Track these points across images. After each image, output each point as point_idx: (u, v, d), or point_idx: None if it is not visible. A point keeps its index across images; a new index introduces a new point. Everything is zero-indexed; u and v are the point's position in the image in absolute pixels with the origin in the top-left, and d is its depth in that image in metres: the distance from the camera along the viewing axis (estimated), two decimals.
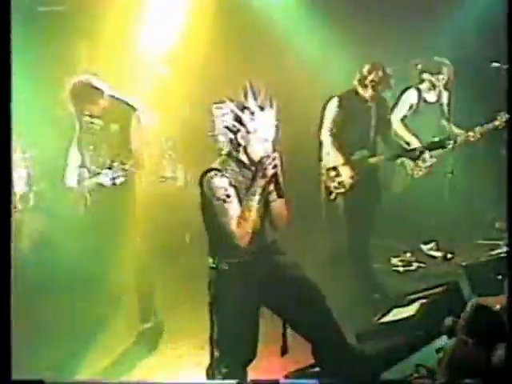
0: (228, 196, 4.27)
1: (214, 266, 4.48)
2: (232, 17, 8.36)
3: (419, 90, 7.39)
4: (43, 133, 7.91)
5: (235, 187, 4.32)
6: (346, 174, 6.75)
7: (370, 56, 7.94)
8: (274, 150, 4.33)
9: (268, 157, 4.27)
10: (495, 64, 6.97)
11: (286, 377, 5.09)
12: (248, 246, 4.28)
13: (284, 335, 4.63)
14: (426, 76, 7.34)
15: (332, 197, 6.87)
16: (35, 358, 5.64)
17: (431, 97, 7.42)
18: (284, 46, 7.35)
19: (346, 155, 6.75)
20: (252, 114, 4.34)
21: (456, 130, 7.24)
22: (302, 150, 7.28)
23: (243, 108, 4.37)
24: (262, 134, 4.34)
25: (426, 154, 7.16)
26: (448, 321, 4.30)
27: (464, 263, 6.53)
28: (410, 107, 7.43)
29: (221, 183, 4.29)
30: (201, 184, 4.41)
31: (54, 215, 6.80)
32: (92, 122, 6.11)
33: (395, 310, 5.62)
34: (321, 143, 6.91)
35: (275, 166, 4.26)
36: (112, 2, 8.15)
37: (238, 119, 4.37)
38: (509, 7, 4.25)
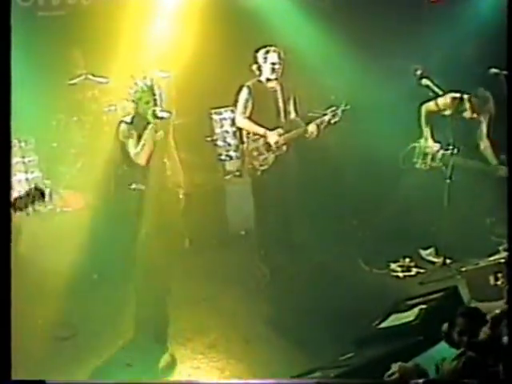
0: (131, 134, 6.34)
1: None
2: (232, 23, 8.38)
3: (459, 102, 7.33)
4: (43, 136, 7.95)
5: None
6: (266, 151, 7.29)
7: (369, 60, 8.01)
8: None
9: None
10: (494, 70, 6.97)
11: None
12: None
13: None
14: (424, 81, 7.34)
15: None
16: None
17: (467, 113, 7.40)
18: (284, 52, 7.38)
19: (263, 133, 7.30)
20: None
21: (488, 155, 7.30)
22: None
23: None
24: None
25: (439, 156, 7.34)
26: (445, 326, 4.30)
27: (463, 269, 6.55)
28: (441, 109, 7.35)
29: (125, 127, 6.39)
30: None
31: None
32: None
33: (394, 316, 5.62)
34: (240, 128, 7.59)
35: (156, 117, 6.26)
36: (111, 8, 8.17)
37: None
38: (509, 13, 4.26)
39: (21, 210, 4.74)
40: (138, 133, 6.42)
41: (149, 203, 6.47)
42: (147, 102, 6.43)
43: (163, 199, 6.54)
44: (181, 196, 6.66)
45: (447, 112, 7.33)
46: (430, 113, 7.45)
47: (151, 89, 6.47)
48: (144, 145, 6.36)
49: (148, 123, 6.39)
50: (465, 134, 7.29)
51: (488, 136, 7.37)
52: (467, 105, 7.23)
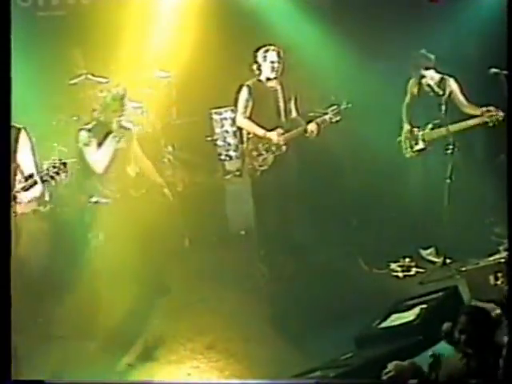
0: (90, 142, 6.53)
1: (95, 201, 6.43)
2: (232, 23, 8.38)
3: (420, 81, 7.47)
4: (44, 136, 7.94)
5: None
6: (266, 151, 7.29)
7: (369, 59, 8.01)
8: None
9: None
10: (494, 70, 6.97)
11: None
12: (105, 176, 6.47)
13: None
14: (425, 81, 7.37)
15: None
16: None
17: (434, 87, 7.44)
18: (283, 51, 7.38)
19: (263, 134, 7.29)
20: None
21: (472, 111, 7.33)
22: None
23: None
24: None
25: (420, 137, 7.43)
26: (446, 326, 4.30)
27: (463, 268, 6.55)
28: (413, 96, 7.55)
29: (85, 135, 6.57)
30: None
31: None
32: None
33: (394, 316, 5.62)
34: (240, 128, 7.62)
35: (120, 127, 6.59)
36: (111, 8, 8.18)
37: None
38: (509, 13, 4.26)
39: (48, 181, 5.10)
40: (97, 141, 6.49)
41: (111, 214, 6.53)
42: (114, 111, 6.49)
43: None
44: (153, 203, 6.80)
45: (415, 94, 7.52)
46: (407, 106, 7.59)
47: (122, 98, 6.54)
48: (104, 153, 6.40)
49: (109, 132, 6.46)
50: (446, 107, 7.32)
51: (466, 99, 7.41)
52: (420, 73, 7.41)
